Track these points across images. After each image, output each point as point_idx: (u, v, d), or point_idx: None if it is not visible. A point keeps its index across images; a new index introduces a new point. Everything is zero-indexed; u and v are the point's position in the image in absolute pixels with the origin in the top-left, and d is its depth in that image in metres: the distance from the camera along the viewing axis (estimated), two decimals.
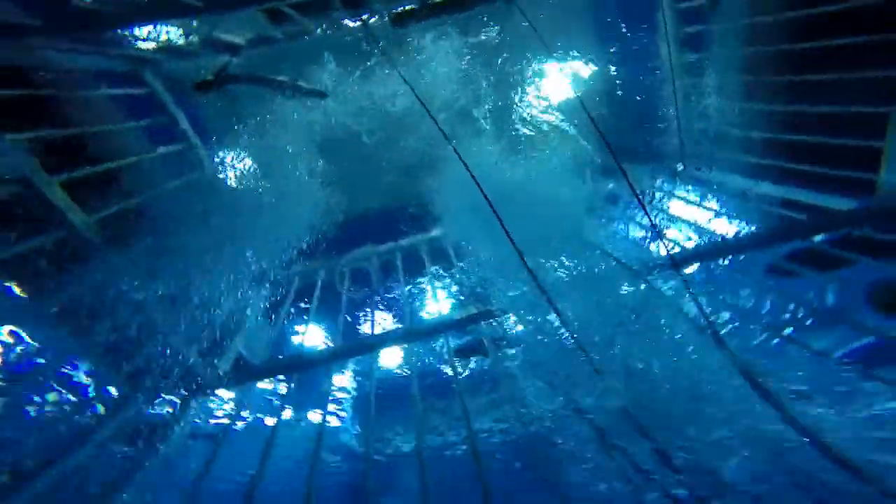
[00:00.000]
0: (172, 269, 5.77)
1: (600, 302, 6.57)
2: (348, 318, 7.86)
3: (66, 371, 5.12)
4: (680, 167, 7.39)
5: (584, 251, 6.93)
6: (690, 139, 7.48)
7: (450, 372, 7.13)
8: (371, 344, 6.42)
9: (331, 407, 6.84)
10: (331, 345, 7.63)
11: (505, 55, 7.92)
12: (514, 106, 8.34)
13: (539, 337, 7.05)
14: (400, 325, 7.63)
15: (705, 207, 7.28)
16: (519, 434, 5.53)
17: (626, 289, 6.21)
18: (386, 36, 6.46)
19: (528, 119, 8.40)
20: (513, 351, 7.34)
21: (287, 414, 6.80)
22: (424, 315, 8.41)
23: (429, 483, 4.07)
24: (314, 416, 8.20)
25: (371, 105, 8.43)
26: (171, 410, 4.80)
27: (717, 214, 7.18)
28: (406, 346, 6.82)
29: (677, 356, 5.29)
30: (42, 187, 4.49)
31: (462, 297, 8.33)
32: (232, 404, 5.73)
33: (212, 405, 5.34)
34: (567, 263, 7.28)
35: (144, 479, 4.15)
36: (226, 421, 4.97)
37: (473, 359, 7.02)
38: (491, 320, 7.19)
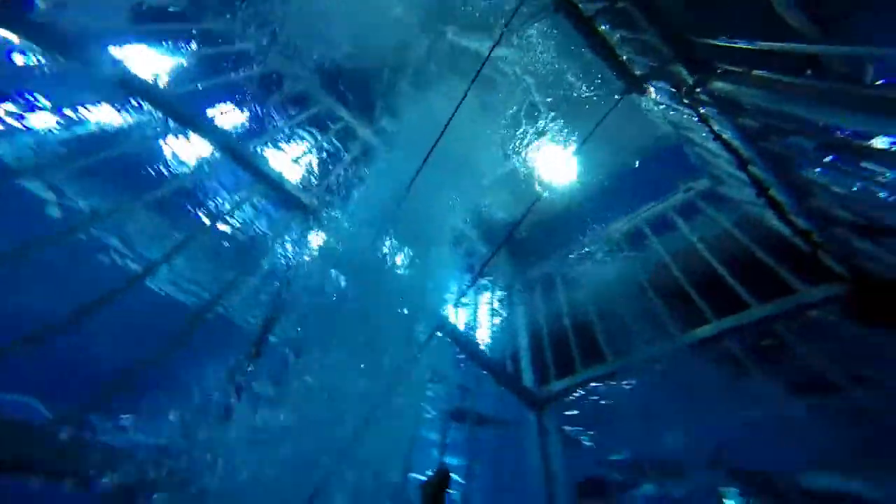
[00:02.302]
0: None
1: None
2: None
3: None
4: (516, 285, 7.87)
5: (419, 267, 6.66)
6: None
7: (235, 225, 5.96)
8: (188, 119, 5.04)
9: None
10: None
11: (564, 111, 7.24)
12: (519, 138, 7.73)
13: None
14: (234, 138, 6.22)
15: (492, 309, 7.81)
16: None
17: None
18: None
19: (513, 154, 7.82)
20: None
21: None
22: (270, 159, 7.01)
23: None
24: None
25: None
26: None
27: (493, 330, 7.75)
28: (220, 157, 5.50)
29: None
30: None
31: (311, 183, 7.26)
32: None
33: None
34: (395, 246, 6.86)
35: None
36: None
37: None
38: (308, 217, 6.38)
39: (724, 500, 8.08)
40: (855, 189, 3.66)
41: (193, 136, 5.98)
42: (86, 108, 6.38)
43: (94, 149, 6.48)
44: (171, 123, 5.69)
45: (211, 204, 7.50)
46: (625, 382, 8.32)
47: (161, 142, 7.17)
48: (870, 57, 2.13)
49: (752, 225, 4.76)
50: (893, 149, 3.01)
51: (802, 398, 6.53)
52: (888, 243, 4.49)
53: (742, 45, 2.63)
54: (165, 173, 7.71)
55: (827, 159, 3.26)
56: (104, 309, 3.69)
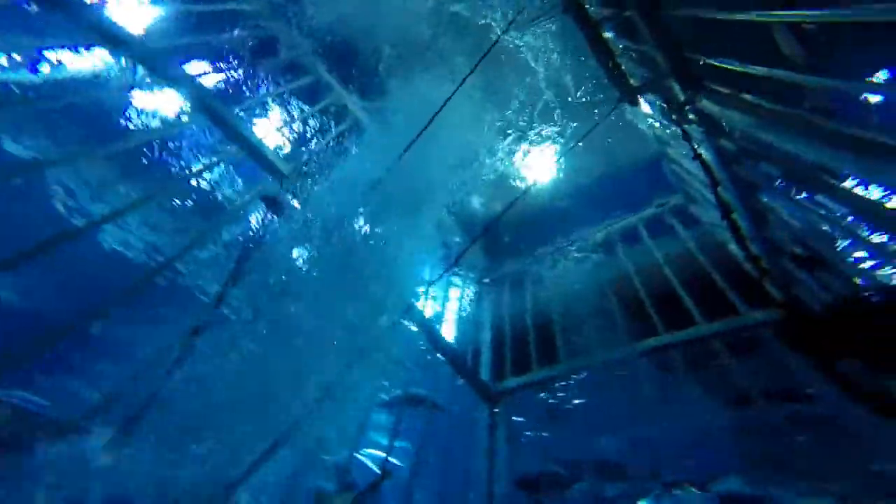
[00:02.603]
0: None
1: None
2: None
3: None
4: (486, 280, 7.97)
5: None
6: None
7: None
8: (173, 79, 4.77)
9: None
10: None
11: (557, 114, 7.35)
12: (511, 127, 7.74)
13: None
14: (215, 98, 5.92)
15: (460, 301, 7.88)
16: None
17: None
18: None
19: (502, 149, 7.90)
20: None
21: None
22: (251, 124, 6.68)
23: None
24: None
25: None
26: None
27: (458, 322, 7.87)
28: (198, 115, 5.21)
29: None
30: None
31: (291, 152, 6.99)
32: None
33: None
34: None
35: None
36: None
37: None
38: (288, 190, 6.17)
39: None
40: (804, 220, 3.99)
41: (173, 91, 5.62)
42: (58, 52, 5.87)
43: (61, 94, 5.93)
44: (149, 77, 5.32)
45: (182, 162, 7.05)
46: (575, 384, 8.61)
47: (136, 93, 6.68)
48: (852, 90, 2.34)
49: (712, 246, 5.08)
50: (844, 185, 3.32)
51: (730, 411, 7.03)
52: (822, 277, 4.91)
53: (734, 66, 2.82)
54: (136, 125, 7.17)
55: (785, 186, 3.52)
56: (51, 259, 3.36)
